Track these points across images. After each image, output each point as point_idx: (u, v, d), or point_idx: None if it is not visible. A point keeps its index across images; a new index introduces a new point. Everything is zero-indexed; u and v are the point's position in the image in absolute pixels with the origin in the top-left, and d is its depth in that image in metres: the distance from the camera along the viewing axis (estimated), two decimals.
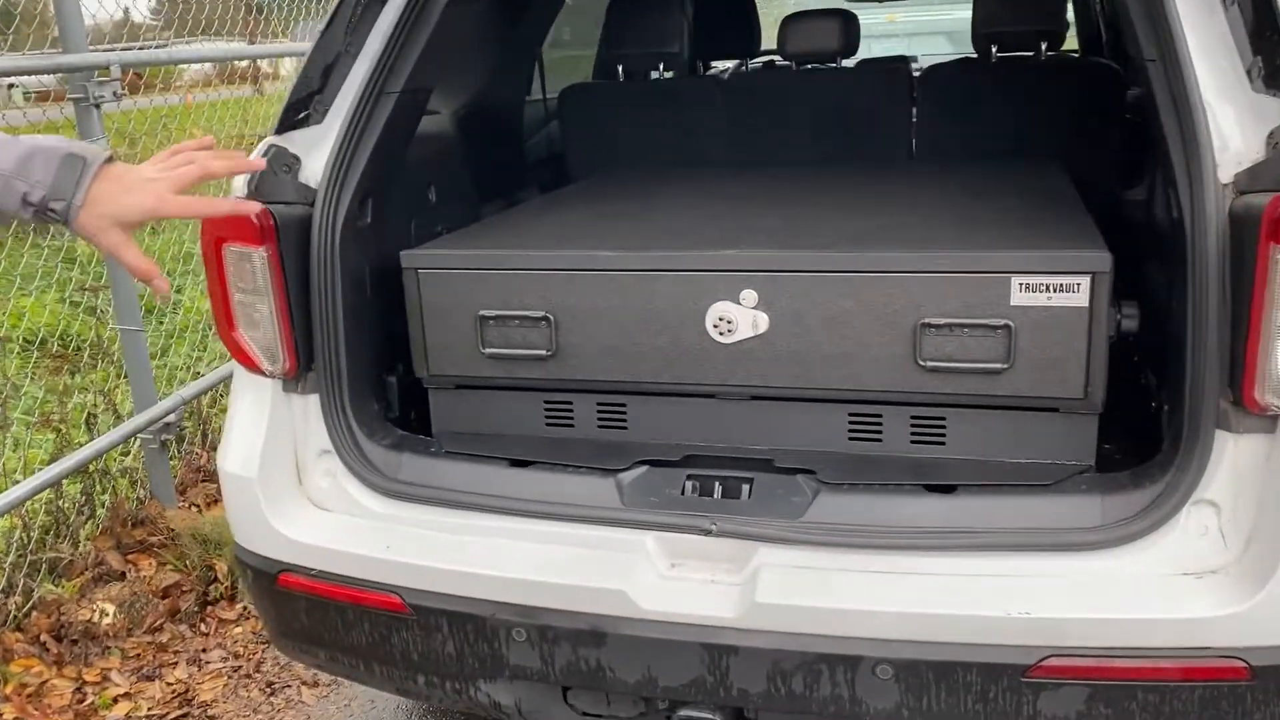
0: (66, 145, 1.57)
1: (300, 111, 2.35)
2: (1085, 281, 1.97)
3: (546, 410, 2.40)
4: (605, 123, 3.68)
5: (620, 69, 3.64)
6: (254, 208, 2.15)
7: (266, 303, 2.29)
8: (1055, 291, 1.99)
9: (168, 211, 1.60)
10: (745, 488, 2.16)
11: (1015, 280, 2.00)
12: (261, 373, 2.34)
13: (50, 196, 1.53)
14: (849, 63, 3.74)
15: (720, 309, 2.17)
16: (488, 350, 2.34)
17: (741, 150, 3.58)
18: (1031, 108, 3.26)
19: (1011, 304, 2.01)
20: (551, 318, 2.28)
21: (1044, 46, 3.22)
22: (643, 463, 2.25)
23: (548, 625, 2.07)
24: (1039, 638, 1.84)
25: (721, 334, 2.18)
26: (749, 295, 2.15)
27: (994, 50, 3.25)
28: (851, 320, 2.10)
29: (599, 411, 2.36)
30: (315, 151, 2.35)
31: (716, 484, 2.19)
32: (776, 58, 4.10)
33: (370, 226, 2.45)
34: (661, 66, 3.59)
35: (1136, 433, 2.18)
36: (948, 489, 2.06)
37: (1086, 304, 1.97)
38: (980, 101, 3.35)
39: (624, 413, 2.35)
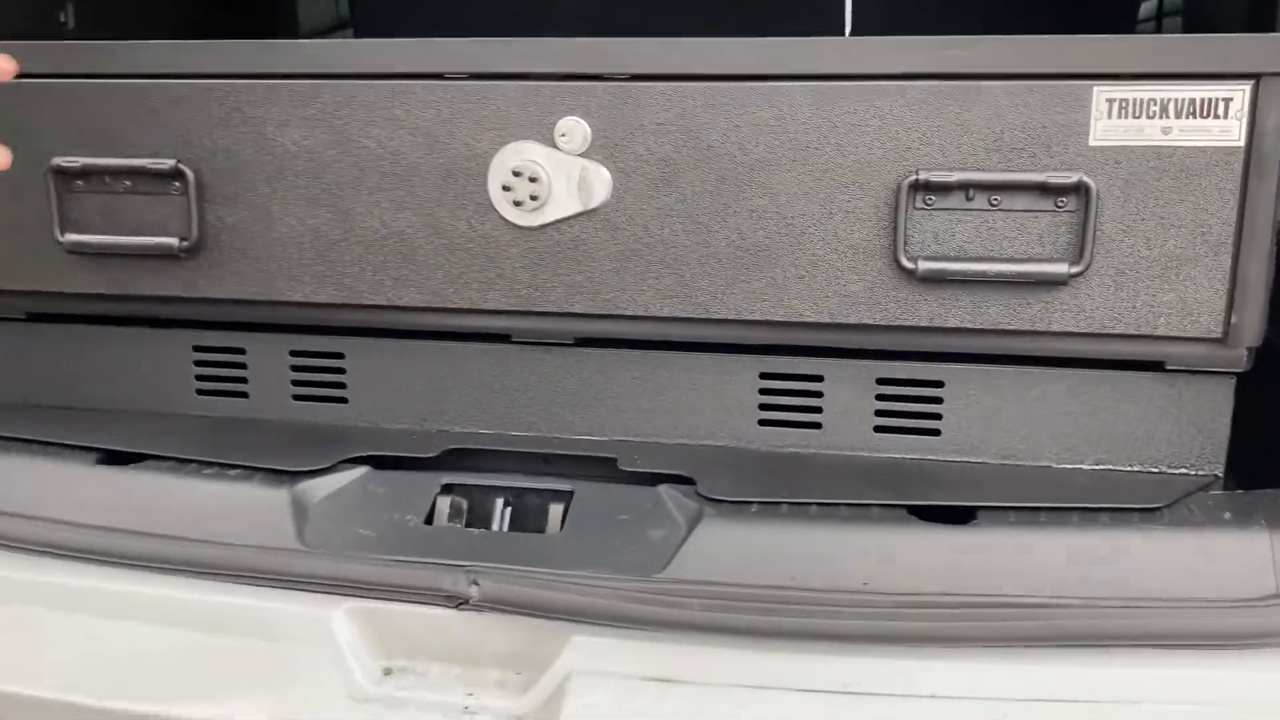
0: None
1: None
2: (1241, 93, 0.98)
3: (198, 363, 1.28)
4: None
5: None
6: None
7: None
8: (1180, 116, 0.99)
9: None
10: (554, 508, 1.08)
11: (1099, 91, 1.00)
12: None
13: None
14: None
15: (517, 154, 1.10)
16: (68, 238, 1.21)
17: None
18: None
19: (1091, 143, 1.01)
20: (188, 173, 1.17)
21: None
22: (360, 460, 1.15)
23: None
24: None
25: (519, 204, 1.11)
26: (572, 127, 1.09)
27: None
28: (776, 177, 1.06)
29: (294, 366, 1.26)
30: None
31: (497, 500, 1.10)
32: None
33: None
34: None
35: None
36: (960, 515, 1.02)
37: (1242, 140, 0.99)
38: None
39: (340, 368, 1.25)
